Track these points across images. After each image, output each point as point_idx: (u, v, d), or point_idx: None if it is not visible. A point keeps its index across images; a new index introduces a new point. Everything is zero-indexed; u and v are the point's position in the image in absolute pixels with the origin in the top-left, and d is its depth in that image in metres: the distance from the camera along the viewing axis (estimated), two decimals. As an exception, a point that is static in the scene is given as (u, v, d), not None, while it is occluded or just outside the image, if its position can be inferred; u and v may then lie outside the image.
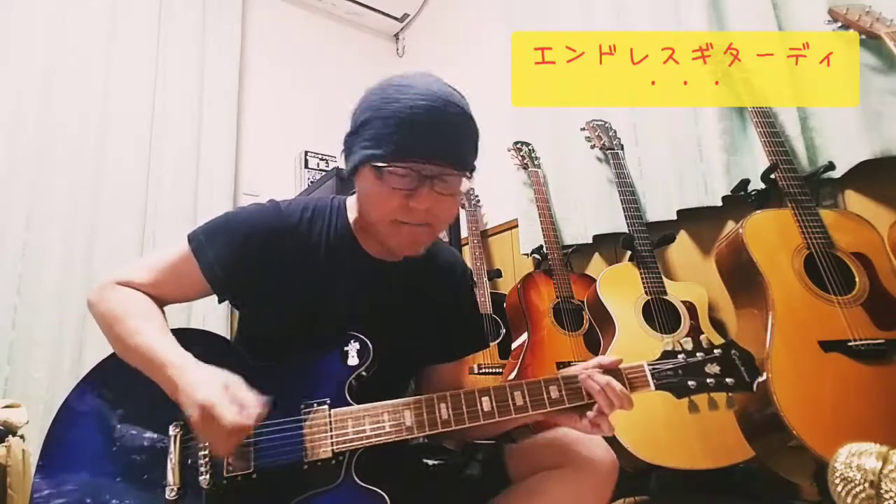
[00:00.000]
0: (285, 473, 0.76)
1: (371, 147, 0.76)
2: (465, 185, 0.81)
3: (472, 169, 0.81)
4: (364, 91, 0.83)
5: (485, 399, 0.80)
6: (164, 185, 2.46)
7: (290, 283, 0.87)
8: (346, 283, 0.89)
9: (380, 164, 0.75)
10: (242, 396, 0.72)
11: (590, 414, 0.80)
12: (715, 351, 0.84)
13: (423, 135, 0.75)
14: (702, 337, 0.86)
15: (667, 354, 0.84)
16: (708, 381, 0.82)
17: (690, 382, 0.82)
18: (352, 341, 0.84)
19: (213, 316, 2.41)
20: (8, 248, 2.06)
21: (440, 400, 0.80)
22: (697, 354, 0.84)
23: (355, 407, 0.80)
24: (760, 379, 1.06)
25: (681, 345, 0.85)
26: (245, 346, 0.92)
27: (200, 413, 0.69)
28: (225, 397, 0.70)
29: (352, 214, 0.91)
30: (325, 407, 0.80)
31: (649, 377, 0.82)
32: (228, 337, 0.97)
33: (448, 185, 0.78)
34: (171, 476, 0.76)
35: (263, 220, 0.87)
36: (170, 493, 0.75)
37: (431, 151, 0.76)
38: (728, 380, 0.82)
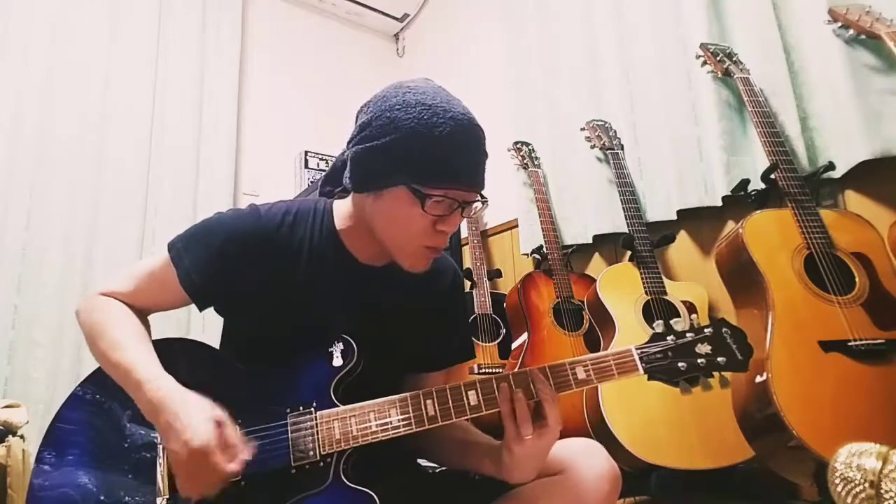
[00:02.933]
0: (274, 479, 0.76)
1: (411, 171, 0.75)
2: (478, 206, 0.82)
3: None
4: (376, 102, 0.79)
5: (471, 393, 0.79)
6: (164, 185, 2.46)
7: (270, 288, 0.86)
8: (330, 287, 0.88)
9: (422, 190, 0.75)
10: (232, 439, 0.71)
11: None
12: (706, 330, 0.80)
13: (466, 164, 0.77)
14: (692, 317, 0.84)
15: (656, 337, 0.81)
16: (699, 361, 0.78)
17: (681, 364, 0.78)
18: (336, 342, 0.84)
19: (213, 317, 2.41)
20: (8, 248, 2.06)
21: (426, 396, 0.79)
22: (687, 335, 0.80)
23: (341, 408, 0.79)
24: (760, 378, 1.07)
25: (670, 327, 0.82)
26: (230, 353, 0.91)
27: (191, 457, 0.68)
28: (218, 442, 0.69)
29: (340, 219, 0.90)
30: (311, 409, 0.79)
31: (638, 361, 0.79)
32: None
33: (473, 209, 0.81)
34: (161, 485, 0.76)
35: (241, 226, 0.86)
36: (160, 503, 0.75)
37: (471, 180, 0.78)
38: (720, 359, 0.78)
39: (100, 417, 0.82)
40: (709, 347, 0.80)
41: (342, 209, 0.90)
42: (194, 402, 0.72)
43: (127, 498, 0.77)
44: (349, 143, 0.82)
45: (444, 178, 0.75)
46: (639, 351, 0.80)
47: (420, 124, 0.74)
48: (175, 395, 0.73)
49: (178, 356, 0.81)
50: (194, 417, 0.70)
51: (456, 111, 0.76)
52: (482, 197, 0.81)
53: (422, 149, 0.74)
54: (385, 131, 0.76)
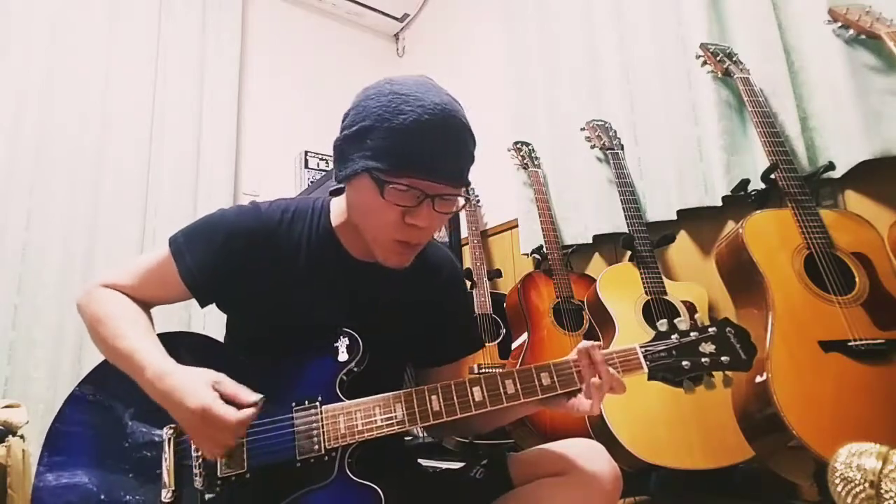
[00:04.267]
0: (279, 472, 0.77)
1: (373, 158, 0.74)
2: (460, 203, 0.80)
3: (468, 184, 0.80)
4: (360, 94, 0.80)
5: (476, 389, 0.79)
6: (164, 185, 2.46)
7: (270, 284, 0.86)
8: (328, 284, 0.88)
9: (381, 177, 0.73)
10: (233, 391, 0.73)
11: (580, 396, 0.79)
12: (709, 329, 0.81)
13: (428, 152, 0.73)
14: (696, 316, 0.84)
15: (660, 336, 0.82)
16: (703, 360, 0.79)
17: (685, 363, 0.79)
18: (341, 337, 0.84)
19: (215, 312, 2.41)
20: (8, 248, 2.06)
21: (431, 392, 0.79)
22: (691, 334, 0.81)
23: (346, 402, 0.80)
24: (760, 378, 1.07)
25: (675, 325, 0.83)
26: (234, 348, 0.92)
27: (195, 418, 0.70)
28: (217, 397, 0.71)
29: (335, 216, 0.90)
30: (317, 404, 0.80)
31: (642, 359, 0.79)
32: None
33: (447, 205, 0.78)
34: (167, 478, 0.76)
35: (242, 222, 0.87)
36: (165, 496, 0.75)
37: (435, 170, 0.74)
38: (724, 358, 0.79)
39: (100, 417, 0.82)
40: (713, 346, 0.80)
41: (338, 206, 0.91)
42: (190, 371, 0.74)
43: (128, 497, 0.77)
44: None
45: (405, 166, 0.73)
46: (643, 349, 0.80)
47: (386, 111, 0.73)
48: (175, 371, 0.74)
49: (183, 349, 0.81)
50: (190, 383, 0.72)
51: (429, 101, 0.73)
52: (464, 194, 0.79)
53: (383, 134, 0.73)
54: (356, 119, 0.77)
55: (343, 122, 0.80)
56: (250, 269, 0.85)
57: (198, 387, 0.72)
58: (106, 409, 0.82)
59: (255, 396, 0.73)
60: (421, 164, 0.73)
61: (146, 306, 0.88)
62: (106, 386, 0.83)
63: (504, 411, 0.84)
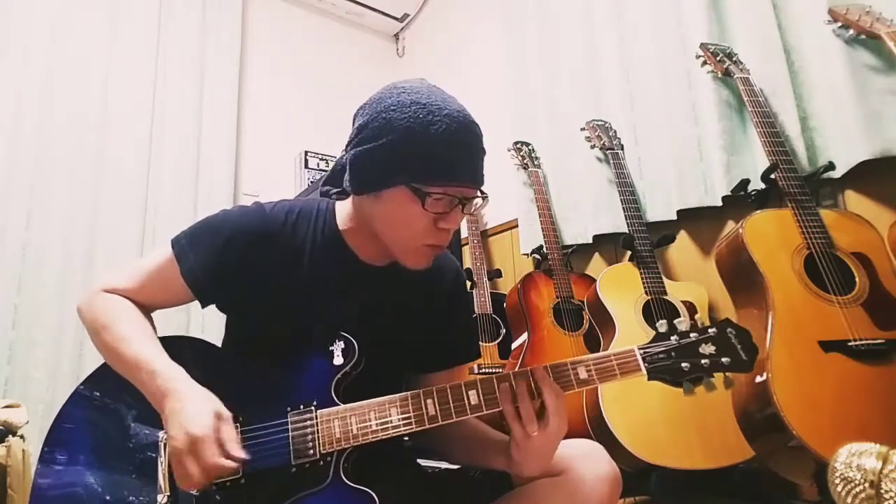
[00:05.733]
0: (274, 477, 0.76)
1: (410, 170, 0.75)
2: (479, 201, 0.82)
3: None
4: (371, 105, 0.80)
5: (472, 392, 0.79)
6: (164, 185, 2.46)
7: (273, 285, 0.86)
8: (333, 285, 0.88)
9: (422, 189, 0.75)
10: (228, 436, 0.71)
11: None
12: (710, 330, 0.79)
13: (464, 160, 0.77)
14: (696, 316, 0.83)
15: (659, 337, 0.80)
16: (703, 361, 0.78)
17: (684, 364, 0.77)
18: (337, 340, 0.83)
19: (213, 315, 2.41)
20: (8, 248, 2.06)
21: (426, 395, 0.79)
22: (691, 335, 0.79)
23: (341, 406, 0.79)
24: (760, 378, 1.07)
25: (674, 326, 0.82)
26: (233, 350, 0.92)
27: (185, 443, 0.69)
28: (213, 434, 0.70)
29: (342, 219, 0.90)
30: (312, 408, 0.79)
31: (640, 361, 0.78)
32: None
33: (472, 206, 0.81)
34: (162, 482, 0.76)
35: (246, 222, 0.87)
36: (161, 500, 0.75)
37: (469, 176, 0.78)
38: (724, 359, 0.78)
39: (103, 416, 0.82)
40: (713, 348, 0.79)
41: (344, 210, 0.91)
42: (201, 393, 0.74)
43: (131, 497, 0.77)
44: (347, 146, 0.83)
45: (442, 175, 0.76)
46: (641, 351, 0.79)
47: (416, 123, 0.75)
48: (186, 385, 0.74)
49: (182, 353, 0.81)
50: (198, 407, 0.71)
51: (451, 109, 0.77)
52: (482, 193, 0.81)
53: (419, 147, 0.75)
54: (382, 132, 0.77)
55: (360, 134, 0.79)
56: (252, 270, 0.85)
57: (203, 414, 0.71)
58: (108, 408, 0.82)
59: (241, 454, 0.71)
60: (453, 172, 0.77)
61: (148, 310, 0.88)
62: (109, 386, 0.83)
63: (480, 452, 0.86)
